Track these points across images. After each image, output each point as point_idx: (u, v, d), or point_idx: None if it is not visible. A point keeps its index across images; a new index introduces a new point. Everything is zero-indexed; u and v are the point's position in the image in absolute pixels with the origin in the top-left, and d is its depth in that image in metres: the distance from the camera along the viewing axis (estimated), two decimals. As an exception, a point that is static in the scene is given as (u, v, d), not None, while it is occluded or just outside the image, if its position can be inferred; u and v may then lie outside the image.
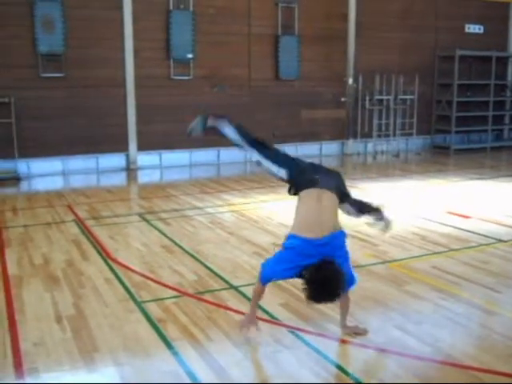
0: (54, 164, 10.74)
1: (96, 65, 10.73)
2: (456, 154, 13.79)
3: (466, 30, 14.69)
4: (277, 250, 3.69)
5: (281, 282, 4.83)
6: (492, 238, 6.23)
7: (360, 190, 8.88)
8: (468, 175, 10.60)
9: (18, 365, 3.46)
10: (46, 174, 10.54)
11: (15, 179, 10.06)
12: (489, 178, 10.31)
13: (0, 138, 10.03)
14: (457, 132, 14.38)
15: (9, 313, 4.23)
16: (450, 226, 6.76)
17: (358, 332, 3.87)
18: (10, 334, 3.86)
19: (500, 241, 6.12)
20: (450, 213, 7.38)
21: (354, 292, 4.57)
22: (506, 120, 15.75)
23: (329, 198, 3.66)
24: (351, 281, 3.69)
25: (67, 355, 3.58)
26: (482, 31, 14.84)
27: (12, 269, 5.25)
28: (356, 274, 3.83)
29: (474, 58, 14.49)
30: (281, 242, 3.66)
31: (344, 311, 3.89)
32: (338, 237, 3.62)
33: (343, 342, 3.77)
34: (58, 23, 10.21)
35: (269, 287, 4.71)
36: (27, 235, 6.45)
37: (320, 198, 3.62)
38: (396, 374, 3.35)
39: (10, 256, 5.64)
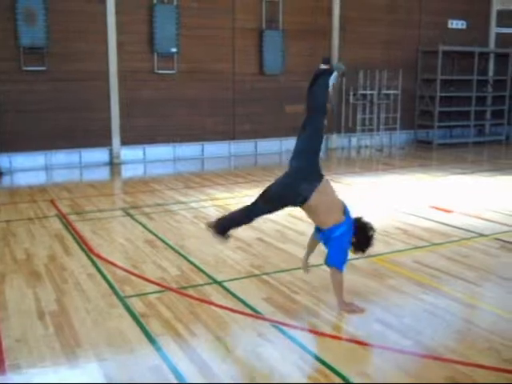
0: (36, 158, 10.65)
1: (79, 58, 10.65)
2: (438, 149, 13.90)
3: (450, 26, 14.78)
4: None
5: (265, 277, 4.87)
6: (473, 232, 6.31)
7: (344, 185, 8.92)
8: (450, 170, 10.69)
9: (-1, 361, 3.44)
10: (28, 168, 10.45)
11: (-3, 174, 9.97)
12: (470, 172, 10.40)
13: (-19, 132, 9.94)
14: (439, 127, 14.50)
15: (-10, 309, 4.20)
16: (433, 220, 6.82)
17: (355, 310, 4.15)
18: (-9, 330, 3.84)
19: (481, 235, 6.19)
20: (433, 207, 7.45)
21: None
22: (488, 115, 15.90)
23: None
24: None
25: (49, 351, 3.57)
26: (464, 27, 14.95)
27: (-6, 264, 5.21)
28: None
29: (456, 53, 14.60)
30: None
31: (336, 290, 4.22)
32: None
33: (326, 336, 3.80)
34: (41, 16, 10.12)
35: (252, 282, 4.75)
36: (9, 231, 6.40)
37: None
38: (379, 367, 3.39)
39: (-8, 251, 5.59)
